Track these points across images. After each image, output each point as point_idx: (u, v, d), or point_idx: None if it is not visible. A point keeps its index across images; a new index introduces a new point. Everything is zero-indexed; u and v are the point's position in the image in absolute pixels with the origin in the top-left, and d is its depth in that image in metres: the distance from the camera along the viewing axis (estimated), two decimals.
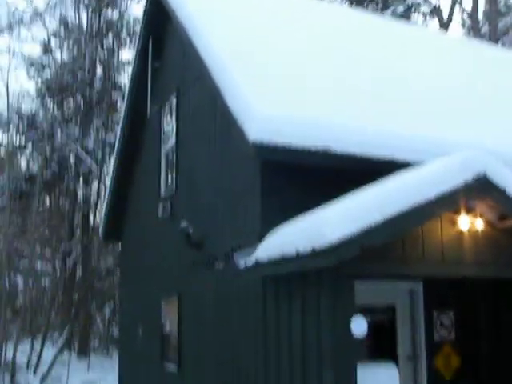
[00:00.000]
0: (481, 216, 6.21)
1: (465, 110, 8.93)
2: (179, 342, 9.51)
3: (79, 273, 25.26)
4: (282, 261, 5.71)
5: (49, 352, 19.36)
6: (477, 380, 7.43)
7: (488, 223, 6.29)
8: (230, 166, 7.90)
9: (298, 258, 5.41)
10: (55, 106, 26.59)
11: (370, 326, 6.90)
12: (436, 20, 26.69)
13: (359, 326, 5.32)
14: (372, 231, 5.21)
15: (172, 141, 10.48)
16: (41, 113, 26.56)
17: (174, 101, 10.39)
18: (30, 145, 26.64)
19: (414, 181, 5.76)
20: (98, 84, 25.81)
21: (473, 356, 7.56)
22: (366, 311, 6.65)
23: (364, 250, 5.18)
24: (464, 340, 7.59)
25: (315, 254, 5.18)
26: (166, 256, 10.43)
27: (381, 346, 7.53)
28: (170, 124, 10.82)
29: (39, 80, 27.02)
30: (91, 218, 26.24)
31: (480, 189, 5.90)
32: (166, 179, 10.85)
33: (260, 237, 6.58)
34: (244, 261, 6.52)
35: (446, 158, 6.10)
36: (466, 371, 7.52)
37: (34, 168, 26.03)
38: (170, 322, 10.26)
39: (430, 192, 5.58)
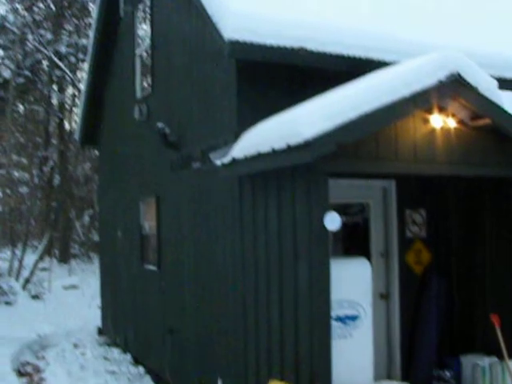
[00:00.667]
0: (453, 115, 6.30)
1: (442, 12, 8.88)
2: (158, 242, 9.73)
3: (57, 180, 25.30)
4: (258, 158, 5.80)
5: (30, 259, 19.67)
6: (447, 275, 7.75)
7: (461, 122, 6.40)
8: (206, 67, 7.86)
9: (274, 154, 5.52)
10: (25, 10, 25.79)
11: (344, 224, 7.13)
12: None
13: (333, 221, 5.48)
14: (347, 128, 5.30)
15: (147, 42, 10.33)
16: (11, 17, 25.77)
17: (148, 1, 10.17)
18: (0, 50, 26.00)
19: (389, 80, 5.81)
20: None
21: (443, 252, 7.84)
22: (339, 208, 6.85)
23: (339, 147, 5.29)
24: (435, 237, 7.84)
25: (291, 150, 5.29)
26: (144, 158, 10.50)
27: (354, 243, 7.78)
28: (144, 25, 10.63)
29: None
30: (67, 124, 26.04)
31: (453, 88, 5.98)
32: (142, 81, 10.77)
33: (236, 136, 6.66)
34: (220, 159, 6.61)
35: (421, 57, 6.14)
36: (437, 267, 7.82)
37: (7, 74, 25.50)
38: (148, 224, 10.46)
39: (404, 90, 5.64)
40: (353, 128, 5.32)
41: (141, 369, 10.75)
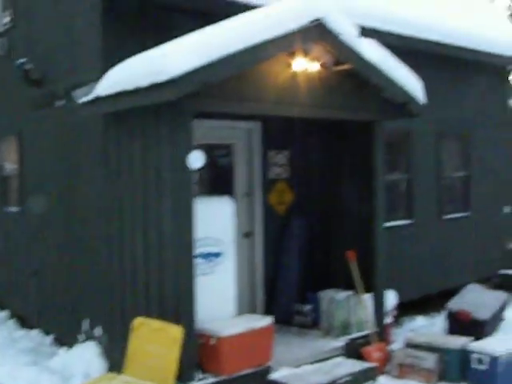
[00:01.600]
0: (317, 60, 6.50)
1: None
2: (21, 182, 9.42)
3: None
4: (122, 96, 5.73)
5: None
6: (308, 214, 8.09)
7: (324, 67, 6.61)
8: (70, 2, 7.57)
9: (138, 91, 5.47)
10: None
11: (212, 165, 7.24)
12: None
13: (196, 160, 5.56)
14: (212, 67, 5.34)
15: None
16: None
17: None
18: None
19: (254, 22, 5.88)
20: None
21: (305, 193, 8.16)
22: (207, 149, 6.93)
23: (203, 86, 5.32)
24: (298, 178, 8.14)
25: (155, 87, 5.27)
26: (4, 95, 10.03)
27: (221, 184, 7.91)
28: None
29: None
30: None
31: (316, 33, 6.17)
32: (2, 14, 10.19)
33: (102, 73, 6.49)
34: (84, 97, 6.46)
35: (286, 1, 6.24)
36: (299, 206, 8.14)
37: None
38: (10, 163, 10.07)
39: (268, 32, 5.75)
40: (217, 68, 5.37)
41: (5, 313, 10.49)
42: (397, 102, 7.28)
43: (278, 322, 7.43)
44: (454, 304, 8.38)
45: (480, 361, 6.99)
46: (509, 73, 12.96)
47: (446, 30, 9.84)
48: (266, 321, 6.45)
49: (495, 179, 11.32)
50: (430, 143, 10.04)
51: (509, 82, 14.72)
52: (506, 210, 11.65)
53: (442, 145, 10.34)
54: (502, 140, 11.48)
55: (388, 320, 7.92)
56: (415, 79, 7.31)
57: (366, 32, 7.27)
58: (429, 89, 7.79)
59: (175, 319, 5.64)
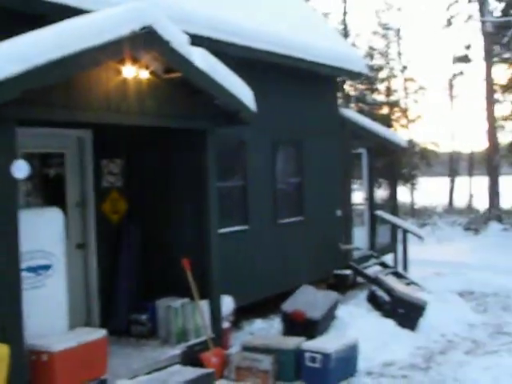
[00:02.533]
0: (147, 67, 6.49)
1: None
2: None
3: None
4: None
5: None
6: (142, 223, 8.03)
7: (154, 74, 6.62)
8: None
9: None
10: None
11: (40, 174, 6.98)
12: None
13: (20, 169, 5.35)
14: (33, 74, 5.15)
15: None
16: None
17: None
18: None
19: (82, 27, 5.75)
20: None
21: (139, 201, 8.10)
22: (37, 158, 6.70)
23: (24, 93, 5.13)
24: (131, 186, 8.07)
25: None
26: None
27: (53, 194, 7.66)
28: None
29: None
30: None
31: (146, 40, 6.15)
32: None
33: None
34: None
35: (116, 7, 6.18)
36: (134, 215, 8.07)
37: None
38: None
39: (96, 39, 5.65)
40: (39, 74, 5.20)
41: None
42: (229, 110, 7.43)
43: (115, 332, 7.33)
44: (288, 305, 8.68)
45: (313, 359, 7.29)
46: (338, 83, 13.69)
47: (280, 40, 10.15)
48: (100, 333, 6.34)
49: (327, 185, 11.86)
50: (266, 151, 10.34)
51: (338, 91, 15.55)
52: (338, 213, 12.24)
53: (276, 152, 10.68)
54: (332, 147, 12.05)
55: (226, 325, 8.05)
56: (246, 88, 7.50)
57: (198, 40, 7.37)
58: (264, 98, 8.04)
59: (1, 336, 5.37)
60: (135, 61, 6.31)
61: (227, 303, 8.16)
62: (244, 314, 9.43)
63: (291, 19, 11.74)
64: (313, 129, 11.50)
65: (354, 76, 13.67)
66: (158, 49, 6.36)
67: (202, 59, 6.86)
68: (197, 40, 7.38)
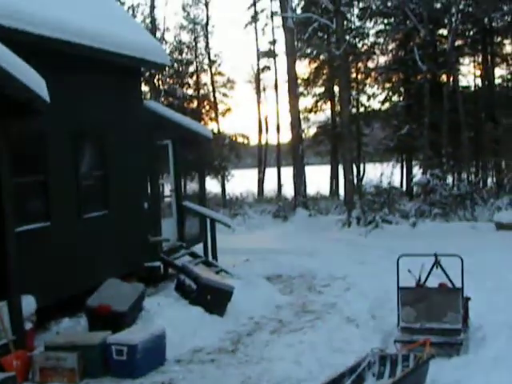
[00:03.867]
0: None
1: None
2: None
3: None
4: None
5: None
6: None
7: None
8: None
9: None
10: None
11: None
12: None
13: None
14: None
15: None
16: None
17: None
18: None
19: None
20: None
21: None
22: None
23: None
24: None
25: None
26: None
27: None
28: None
29: None
30: None
31: None
32: None
33: None
34: None
35: None
36: None
37: None
38: None
39: None
40: None
41: None
42: (20, 101, 7.11)
43: None
44: (93, 300, 8.51)
45: (120, 352, 7.23)
46: (144, 75, 13.65)
47: (80, 30, 9.84)
48: None
49: (133, 177, 11.76)
50: (67, 144, 10.01)
51: (146, 84, 15.51)
52: (146, 205, 12.21)
53: (79, 145, 10.39)
54: (136, 139, 11.95)
55: (28, 326, 7.75)
56: (38, 77, 7.23)
57: None
58: (65, 89, 7.76)
59: None
60: None
61: (29, 304, 7.85)
62: (52, 313, 9.10)
63: (93, 10, 11.49)
64: (117, 120, 11.35)
65: (158, 67, 13.70)
66: None
67: None
68: None
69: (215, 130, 35.99)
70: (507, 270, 12.18)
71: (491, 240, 16.77)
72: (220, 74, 39.67)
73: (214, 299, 9.38)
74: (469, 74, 36.83)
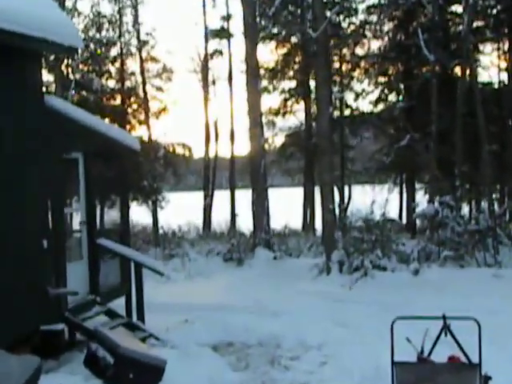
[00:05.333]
0: None
1: None
2: None
3: None
4: None
5: None
6: None
7: None
8: None
9: None
10: None
11: None
12: None
13: None
14: None
15: None
16: None
17: None
18: None
19: None
20: None
21: None
22: None
23: None
24: None
25: None
26: None
27: None
28: None
29: None
30: None
31: None
32: None
33: None
34: None
35: None
36: None
37: None
38: None
39: None
40: None
41: None
42: None
43: None
44: None
45: None
46: (44, 59, 13.50)
47: None
48: None
49: (26, 205, 11.56)
50: None
51: (49, 72, 15.35)
52: (45, 244, 12.02)
53: None
54: (32, 151, 11.74)
55: None
56: None
57: None
58: None
59: None
60: None
61: None
62: None
63: None
64: (1, 123, 11.16)
65: (66, 51, 13.55)
66: None
67: None
68: None
69: (145, 138, 35.97)
70: None
71: None
72: (153, 59, 39.79)
73: (137, 378, 9.25)
74: (491, 67, 37.47)
